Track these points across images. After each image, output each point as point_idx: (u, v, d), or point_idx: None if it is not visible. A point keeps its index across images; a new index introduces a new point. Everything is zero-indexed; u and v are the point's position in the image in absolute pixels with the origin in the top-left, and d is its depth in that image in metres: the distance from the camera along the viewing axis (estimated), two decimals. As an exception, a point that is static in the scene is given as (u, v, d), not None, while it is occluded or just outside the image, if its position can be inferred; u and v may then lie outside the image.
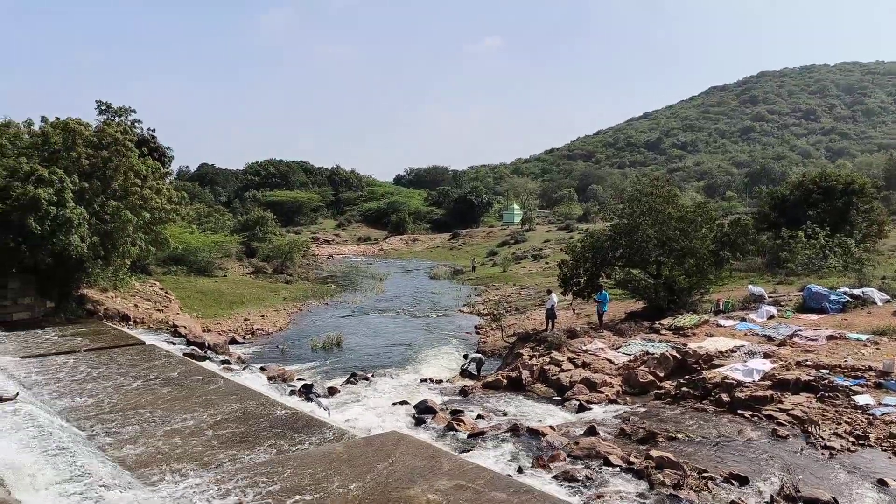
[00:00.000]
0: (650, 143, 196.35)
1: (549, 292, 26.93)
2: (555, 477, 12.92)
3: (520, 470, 13.27)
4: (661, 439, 14.85)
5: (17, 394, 16.92)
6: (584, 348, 22.38)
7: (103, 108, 36.37)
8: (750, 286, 28.58)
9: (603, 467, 13.25)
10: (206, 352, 25.24)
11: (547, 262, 54.72)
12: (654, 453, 13.37)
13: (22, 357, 22.31)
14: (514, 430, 15.81)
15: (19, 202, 25.47)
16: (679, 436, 15.12)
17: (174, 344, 26.25)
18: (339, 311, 38.49)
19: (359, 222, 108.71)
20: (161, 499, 11.36)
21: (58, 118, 29.69)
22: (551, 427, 15.88)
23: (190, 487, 11.81)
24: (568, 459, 13.78)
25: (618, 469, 13.13)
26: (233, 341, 29.17)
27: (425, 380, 22.30)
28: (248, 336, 30.94)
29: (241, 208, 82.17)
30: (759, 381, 17.58)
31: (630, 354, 21.53)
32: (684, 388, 18.31)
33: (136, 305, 31.83)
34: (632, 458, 13.51)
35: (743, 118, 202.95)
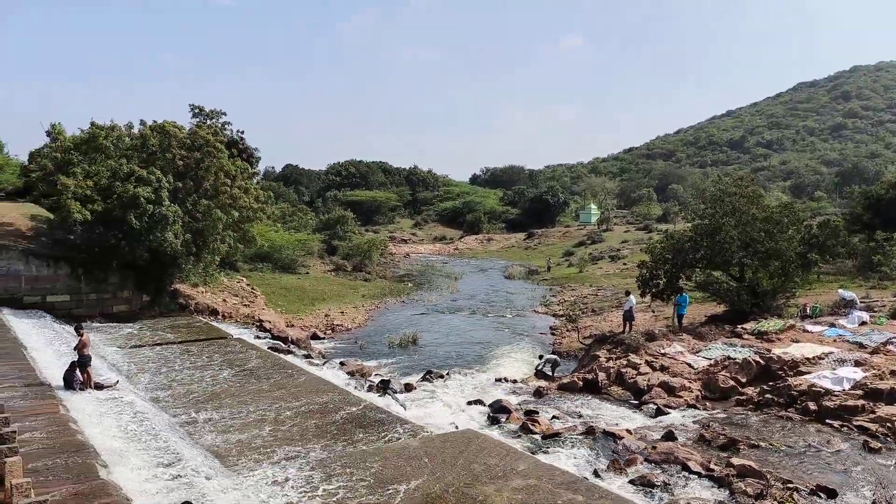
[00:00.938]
0: (733, 141, 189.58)
1: (628, 294, 26.57)
2: (631, 481, 12.85)
3: (596, 473, 13.26)
4: (742, 447, 14.51)
5: (118, 381, 18.11)
6: (662, 351, 22.01)
7: (196, 111, 38.18)
8: (840, 290, 27.35)
9: (681, 473, 13.08)
10: (289, 346, 26.23)
11: (625, 263, 53.80)
12: (736, 461, 13.09)
13: (120, 347, 23.81)
14: (590, 432, 15.77)
15: (121, 200, 27.13)
16: (762, 444, 14.72)
17: (259, 338, 27.36)
18: (415, 308, 39.09)
19: (435, 222, 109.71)
20: (246, 485, 11.98)
21: (154, 121, 31.44)
22: (628, 430, 15.76)
23: (274, 476, 12.38)
24: (645, 464, 13.66)
25: (697, 476, 12.93)
26: (314, 336, 30.12)
27: (500, 379, 22.44)
28: (328, 332, 31.86)
29: (323, 208, 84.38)
30: (850, 390, 16.88)
31: (710, 359, 21.03)
32: (768, 395, 17.77)
33: (224, 300, 33.33)
34: (712, 465, 13.27)
35: (833, 115, 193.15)
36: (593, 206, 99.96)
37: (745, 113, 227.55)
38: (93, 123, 30.78)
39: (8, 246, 27.57)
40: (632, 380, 20.01)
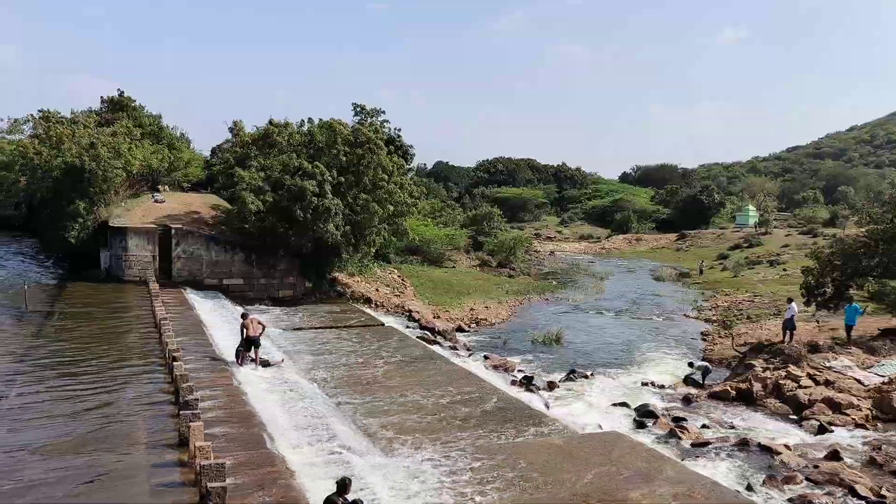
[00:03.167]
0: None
1: (790, 301, 24.92)
2: (790, 500, 12.23)
3: (749, 487, 12.74)
4: (919, 475, 13.32)
5: (283, 360, 19.71)
6: (827, 365, 20.50)
7: (358, 109, 40.26)
8: None
9: (847, 498, 12.26)
10: (436, 337, 27.14)
11: (785, 269, 50.28)
12: (911, 489, 12.08)
13: (285, 329, 25.78)
14: (744, 444, 15.12)
15: (290, 193, 29.34)
16: (943, 474, 13.42)
17: (408, 327, 28.54)
18: (559, 307, 38.90)
19: (581, 220, 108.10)
20: (396, 467, 12.67)
21: (321, 119, 33.64)
22: (786, 446, 14.94)
23: (423, 459, 13.00)
24: (805, 483, 12.94)
25: (864, 501, 12.08)
26: (459, 329, 30.90)
27: (646, 383, 21.94)
28: (472, 325, 32.53)
29: (471, 204, 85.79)
30: None
31: (884, 376, 19.34)
32: (953, 422, 16.12)
33: (377, 290, 35.04)
34: (883, 492, 12.33)
35: None
36: (751, 207, 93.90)
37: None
38: (270, 121, 33.45)
39: (193, 233, 30.70)
40: (791, 393, 18.84)
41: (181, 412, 11.73)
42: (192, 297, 27.60)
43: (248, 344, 18.13)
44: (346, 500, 8.71)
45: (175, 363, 14.59)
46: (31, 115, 34.17)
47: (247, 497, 9.51)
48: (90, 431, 11.77)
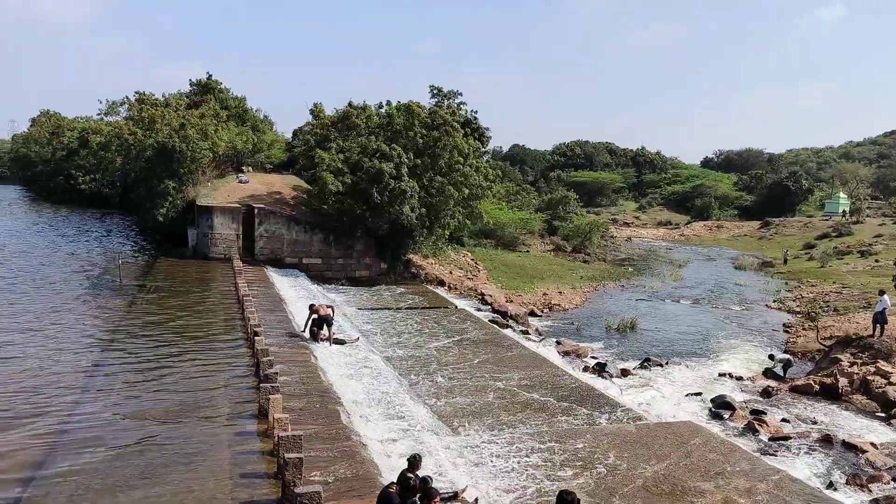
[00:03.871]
0: None
1: (882, 293, 23.65)
2: (874, 501, 11.73)
3: (830, 485, 12.29)
4: None
5: (358, 338, 20.20)
6: (922, 363, 19.43)
7: (435, 92, 40.45)
8: None
9: (937, 500, 11.67)
10: (507, 321, 27.16)
11: (877, 260, 47.58)
12: None
13: (361, 308, 26.37)
14: (826, 440, 14.58)
15: (367, 174, 29.84)
16: None
17: (481, 310, 28.67)
18: (635, 294, 38.17)
19: (660, 206, 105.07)
20: (465, 446, 12.85)
21: (399, 102, 33.94)
22: (873, 444, 14.31)
23: (493, 440, 13.14)
24: (893, 483, 12.39)
25: (956, 505, 11.46)
26: (531, 313, 30.81)
27: (723, 374, 21.36)
28: (545, 310, 32.37)
29: (546, 188, 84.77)
30: None
31: None
32: None
33: (450, 272, 35.31)
34: (977, 497, 11.65)
35: None
36: (842, 194, 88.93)
37: None
38: (349, 103, 34.03)
39: (275, 213, 31.70)
40: (880, 389, 17.97)
41: (261, 385, 12.24)
42: (273, 274, 28.56)
43: (321, 322, 18.63)
44: (416, 476, 8.92)
45: (256, 338, 15.20)
46: (127, 98, 35.92)
47: (322, 469, 9.87)
48: (177, 401, 12.44)
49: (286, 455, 8.90)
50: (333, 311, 19.42)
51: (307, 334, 18.69)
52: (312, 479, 9.34)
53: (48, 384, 13.06)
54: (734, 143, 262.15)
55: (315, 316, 18.72)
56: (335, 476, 9.74)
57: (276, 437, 9.74)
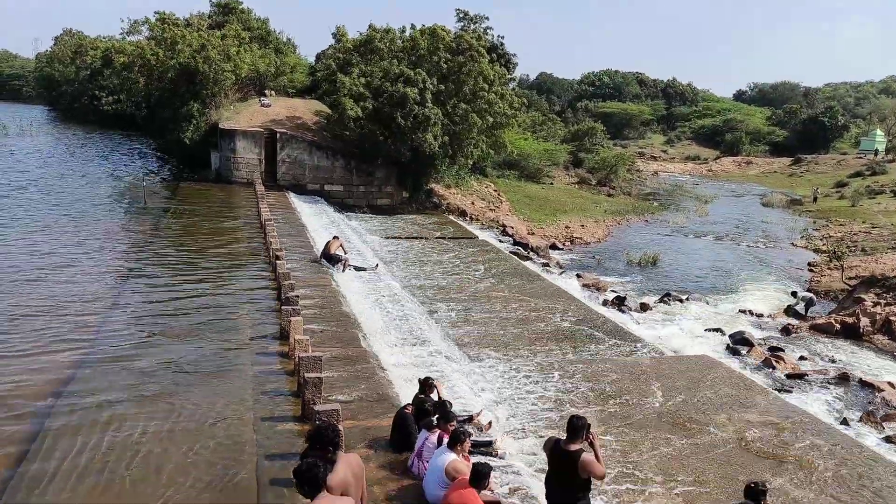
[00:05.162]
0: None
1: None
2: (887, 438, 11.79)
3: (844, 422, 12.35)
4: None
5: (377, 265, 20.32)
6: (948, 306, 19.17)
7: (461, 15, 39.02)
8: None
9: (952, 441, 11.69)
10: (528, 253, 27.13)
11: (911, 200, 46.58)
12: None
13: (381, 236, 26.45)
14: (843, 379, 14.58)
15: (391, 99, 29.33)
16: None
17: (502, 242, 28.65)
18: (658, 229, 37.81)
19: (689, 139, 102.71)
20: (483, 373, 13.05)
21: (424, 25, 33.01)
22: (890, 384, 14.28)
23: (510, 368, 13.31)
24: (907, 422, 12.40)
25: (972, 446, 11.48)
26: (553, 246, 30.72)
27: (743, 311, 21.29)
28: (566, 243, 32.25)
29: (573, 118, 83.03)
30: None
31: None
32: None
33: (472, 203, 35.14)
34: None
35: None
36: (879, 132, 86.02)
37: None
38: (370, 26, 33.18)
39: (297, 137, 31.50)
40: (903, 331, 17.84)
41: (282, 307, 12.41)
42: (295, 200, 28.62)
43: (329, 259, 18.54)
44: (431, 398, 9.08)
45: (278, 262, 15.34)
46: (147, 18, 35.37)
47: (341, 389, 10.09)
48: (200, 321, 12.68)
49: (306, 375, 9.08)
50: (342, 248, 19.25)
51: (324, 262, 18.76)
52: (331, 398, 9.55)
53: (74, 304, 13.35)
54: (769, 77, 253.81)
55: (328, 247, 18.75)
56: (353, 396, 9.95)
57: (297, 358, 9.92)
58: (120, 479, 7.31)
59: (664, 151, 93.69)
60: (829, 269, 28.14)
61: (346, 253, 19.25)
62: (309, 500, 4.95)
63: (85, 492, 7.09)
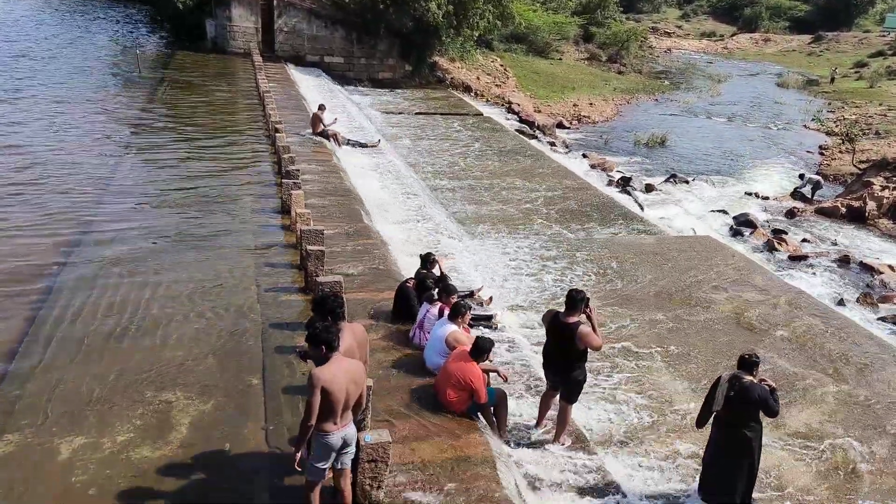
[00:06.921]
0: None
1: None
2: (882, 318, 11.97)
3: (840, 302, 12.49)
4: None
5: (380, 141, 19.92)
6: (957, 190, 18.95)
7: None
8: None
9: (947, 322, 11.86)
10: (534, 131, 26.59)
11: (933, 82, 45.14)
12: None
13: (383, 111, 25.81)
14: (844, 261, 14.63)
15: None
16: None
17: (507, 119, 28.00)
18: (669, 108, 36.89)
19: (706, 14, 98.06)
20: (484, 248, 13.10)
21: None
22: (890, 266, 14.35)
23: (509, 246, 13.32)
24: (904, 304, 12.55)
25: (967, 328, 11.66)
26: (559, 125, 30.06)
27: (750, 193, 21.12)
28: (574, 122, 31.56)
29: (584, -12, 79.07)
30: None
31: None
32: None
33: (477, 78, 34.03)
34: None
35: None
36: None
37: None
38: None
39: (295, 5, 30.00)
40: (909, 215, 17.73)
41: (283, 181, 12.25)
42: (294, 72, 27.71)
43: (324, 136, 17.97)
44: (432, 274, 9.11)
45: (277, 135, 15.01)
46: None
47: (343, 263, 10.11)
48: (200, 194, 12.56)
49: (308, 247, 9.06)
50: (323, 123, 18.46)
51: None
52: (333, 270, 9.57)
53: (71, 177, 13.09)
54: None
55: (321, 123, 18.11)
56: (356, 271, 9.98)
57: (299, 231, 9.88)
58: (129, 343, 7.46)
59: (679, 27, 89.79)
60: (840, 152, 27.65)
61: (335, 121, 18.57)
62: (313, 366, 4.99)
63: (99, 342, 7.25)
